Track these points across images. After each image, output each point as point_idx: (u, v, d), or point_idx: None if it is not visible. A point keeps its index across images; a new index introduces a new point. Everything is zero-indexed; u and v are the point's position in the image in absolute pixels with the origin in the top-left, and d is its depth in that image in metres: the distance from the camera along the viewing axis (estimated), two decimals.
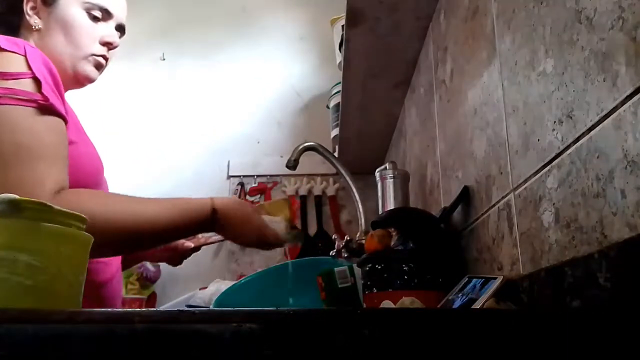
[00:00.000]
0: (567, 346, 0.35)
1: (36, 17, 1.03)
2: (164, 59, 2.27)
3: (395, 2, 1.16)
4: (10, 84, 0.85)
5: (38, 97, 0.85)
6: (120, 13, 1.11)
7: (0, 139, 0.82)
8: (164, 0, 2.29)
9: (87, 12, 1.05)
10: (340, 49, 1.60)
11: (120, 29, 1.12)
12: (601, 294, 0.46)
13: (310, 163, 1.92)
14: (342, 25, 1.34)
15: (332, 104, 1.93)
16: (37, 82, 0.87)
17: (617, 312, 0.41)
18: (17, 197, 0.46)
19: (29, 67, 0.87)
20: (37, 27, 1.03)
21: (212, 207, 0.94)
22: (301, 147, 1.44)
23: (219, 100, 2.20)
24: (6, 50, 0.87)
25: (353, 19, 1.21)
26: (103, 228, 0.78)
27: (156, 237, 0.95)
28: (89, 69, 1.06)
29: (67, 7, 1.04)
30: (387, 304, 0.83)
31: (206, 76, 2.23)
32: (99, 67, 1.08)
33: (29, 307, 0.44)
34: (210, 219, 0.94)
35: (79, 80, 1.06)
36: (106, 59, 1.09)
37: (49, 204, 0.47)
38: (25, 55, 0.88)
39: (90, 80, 1.08)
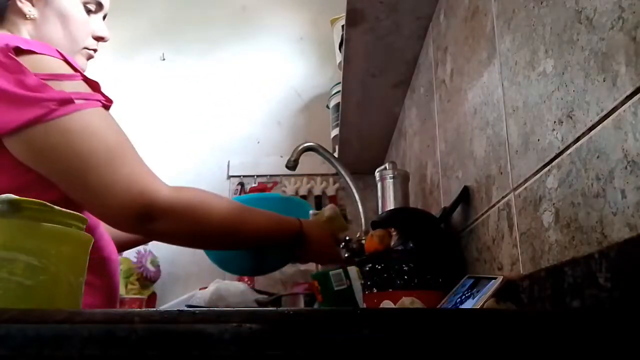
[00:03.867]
0: (567, 346, 0.35)
1: (30, 4, 0.98)
2: (164, 59, 2.27)
3: (395, 2, 1.16)
4: (68, 86, 0.83)
5: (100, 97, 0.88)
6: (108, 4, 1.09)
7: (89, 144, 0.83)
8: (164, 0, 2.29)
9: (84, 5, 1.03)
10: (340, 49, 1.60)
11: (104, 18, 1.10)
12: (601, 294, 0.46)
13: (310, 163, 1.93)
14: (342, 25, 1.34)
15: (332, 104, 1.93)
16: (88, 82, 0.87)
17: (617, 312, 0.41)
18: (17, 197, 0.46)
19: (74, 69, 0.86)
20: (31, 16, 0.98)
21: (299, 227, 1.06)
22: (301, 147, 1.44)
23: (218, 100, 2.20)
24: (42, 54, 0.84)
25: (353, 19, 1.21)
26: (219, 222, 0.95)
27: (253, 241, 1.05)
28: (81, 62, 1.04)
29: None
30: (387, 304, 0.83)
31: (206, 76, 2.23)
32: (90, 58, 1.07)
33: (28, 307, 0.43)
34: (296, 237, 1.06)
35: None
36: (96, 51, 1.08)
37: (48, 204, 0.47)
38: (63, 58, 0.86)
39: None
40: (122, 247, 1.25)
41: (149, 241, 1.33)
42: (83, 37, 1.03)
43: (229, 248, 1.13)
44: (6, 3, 0.98)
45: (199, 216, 0.94)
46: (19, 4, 0.97)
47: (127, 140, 0.90)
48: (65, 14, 1.01)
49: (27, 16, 0.98)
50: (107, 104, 0.90)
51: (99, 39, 1.07)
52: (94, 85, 0.89)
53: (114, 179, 0.84)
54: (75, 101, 0.82)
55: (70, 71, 0.86)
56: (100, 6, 1.06)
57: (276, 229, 1.04)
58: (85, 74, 1.04)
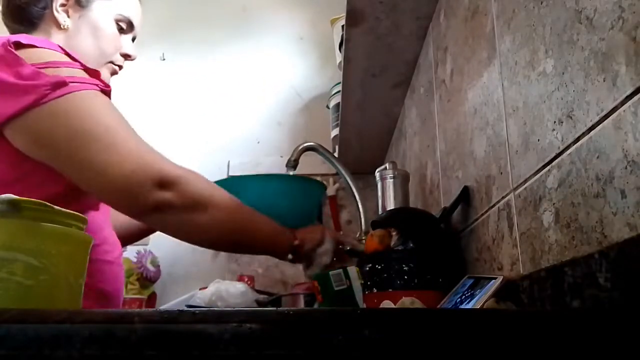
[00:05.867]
0: (567, 346, 0.35)
1: (65, 15, 1.03)
2: (164, 59, 2.27)
3: (395, 2, 1.16)
4: (64, 71, 0.84)
5: (97, 82, 0.88)
6: (139, 28, 1.15)
7: (89, 123, 0.83)
8: (164, 0, 2.29)
9: (116, 23, 1.08)
10: (340, 49, 1.60)
11: (133, 40, 1.16)
12: (601, 294, 0.46)
13: (310, 163, 1.92)
14: (342, 25, 1.34)
15: (332, 104, 1.93)
16: (88, 71, 0.88)
17: (617, 312, 0.41)
18: (17, 197, 0.46)
19: (73, 59, 0.88)
20: (65, 26, 1.02)
21: (293, 242, 1.00)
22: (301, 147, 1.44)
23: (218, 100, 2.20)
24: (42, 48, 0.87)
25: (353, 19, 1.21)
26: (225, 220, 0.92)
27: (247, 249, 1.08)
28: (105, 75, 1.08)
29: (100, 14, 1.06)
30: (387, 304, 0.83)
31: (206, 76, 2.23)
32: (114, 74, 1.11)
33: (28, 307, 0.43)
34: (289, 251, 1.01)
35: None
36: (121, 68, 1.12)
37: (48, 204, 0.47)
38: (63, 51, 0.88)
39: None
40: (127, 239, 1.25)
41: (153, 232, 1.31)
42: (111, 52, 1.07)
43: (222, 247, 1.10)
44: (43, 12, 1.02)
45: (206, 198, 0.90)
46: (55, 13, 1.02)
47: (126, 121, 0.88)
48: (98, 27, 1.05)
49: (62, 26, 1.02)
50: (105, 89, 0.89)
51: (126, 56, 1.11)
52: (92, 73, 0.89)
53: (119, 155, 0.83)
54: (70, 84, 0.83)
55: (68, 60, 0.87)
56: (131, 27, 1.11)
57: (272, 242, 0.99)
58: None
